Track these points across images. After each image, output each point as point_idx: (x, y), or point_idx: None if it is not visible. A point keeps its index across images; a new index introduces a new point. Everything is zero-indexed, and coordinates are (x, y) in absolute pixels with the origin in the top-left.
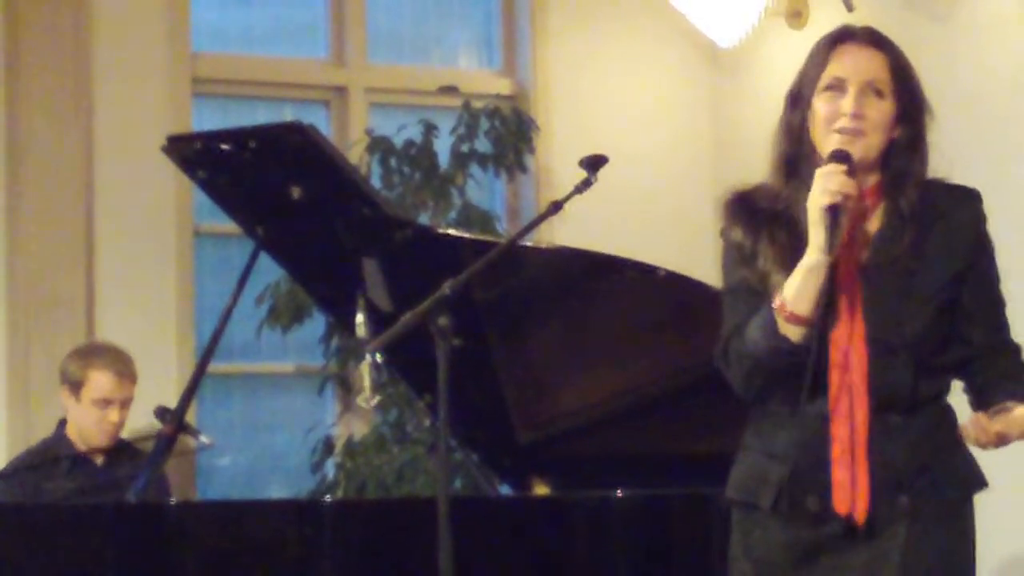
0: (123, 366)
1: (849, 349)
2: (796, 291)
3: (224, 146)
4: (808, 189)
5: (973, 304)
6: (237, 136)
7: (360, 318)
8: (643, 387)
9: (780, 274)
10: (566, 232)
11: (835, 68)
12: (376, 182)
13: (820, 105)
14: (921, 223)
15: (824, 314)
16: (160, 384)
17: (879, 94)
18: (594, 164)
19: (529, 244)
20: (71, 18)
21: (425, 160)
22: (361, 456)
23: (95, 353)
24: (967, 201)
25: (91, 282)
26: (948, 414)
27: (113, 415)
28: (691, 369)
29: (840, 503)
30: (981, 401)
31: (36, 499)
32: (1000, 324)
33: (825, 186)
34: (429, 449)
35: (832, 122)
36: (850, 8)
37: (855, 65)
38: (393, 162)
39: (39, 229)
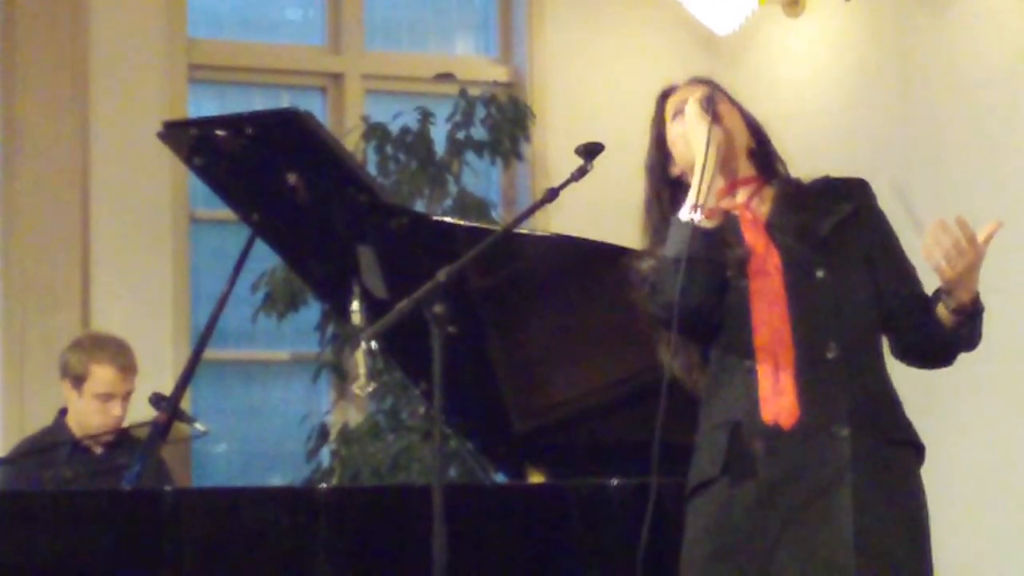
0: (125, 360)
1: (766, 273)
2: (699, 189)
3: (220, 132)
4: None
5: (886, 265)
6: (233, 122)
7: (355, 305)
8: (639, 375)
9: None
10: (562, 220)
11: (673, 102)
12: (372, 169)
13: (675, 128)
14: (809, 194)
15: (741, 257)
16: (155, 371)
17: (718, 100)
18: (590, 152)
19: (525, 231)
20: (68, 4)
21: (421, 147)
22: (356, 444)
23: (97, 346)
24: (853, 181)
25: (87, 269)
26: (887, 373)
27: (115, 409)
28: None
29: (767, 412)
30: (928, 312)
31: (34, 486)
32: (916, 282)
33: (693, 97)
34: (424, 437)
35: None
36: None
37: (689, 92)
38: (389, 149)
39: (35, 216)
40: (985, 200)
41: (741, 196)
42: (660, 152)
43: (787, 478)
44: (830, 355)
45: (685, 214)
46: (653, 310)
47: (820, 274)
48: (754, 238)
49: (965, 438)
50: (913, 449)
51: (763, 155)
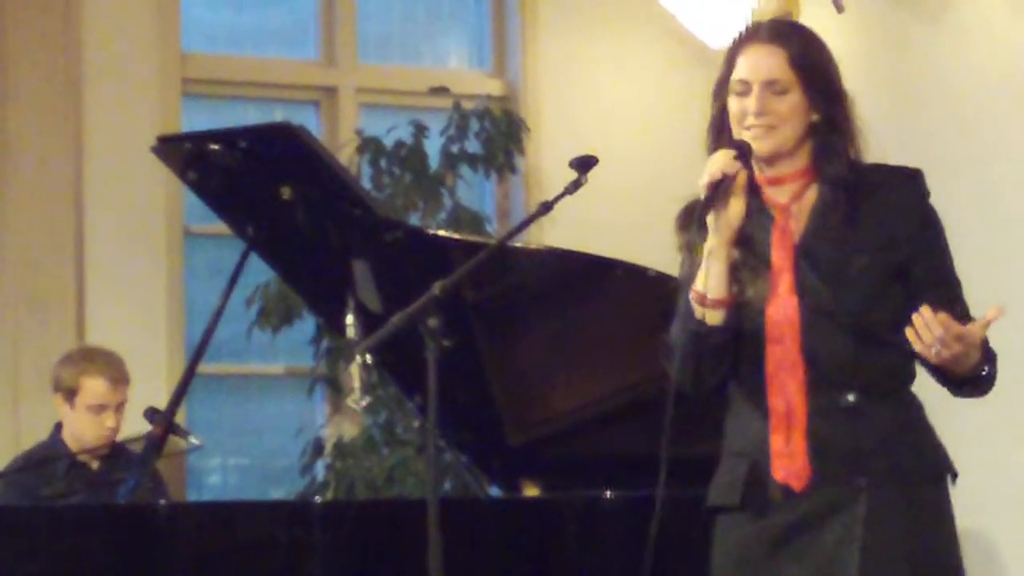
0: (116, 371)
1: (783, 322)
2: (705, 277)
3: (214, 147)
4: None
5: (923, 279)
6: (227, 137)
7: (350, 319)
8: (633, 388)
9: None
10: (556, 233)
11: (740, 71)
12: (366, 183)
13: (732, 104)
14: (855, 197)
15: (761, 294)
16: (150, 385)
17: (782, 91)
18: (584, 165)
19: (519, 245)
20: (60, 18)
21: (415, 161)
22: (351, 457)
23: (87, 359)
24: (904, 178)
25: (81, 283)
26: (914, 401)
27: (109, 420)
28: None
29: (777, 470)
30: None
31: (31, 502)
32: (954, 299)
33: (706, 168)
34: (419, 450)
35: (742, 121)
36: (840, 9)
37: (755, 67)
38: (383, 163)
39: (29, 230)
40: (979, 210)
41: (784, 194)
42: (720, 106)
43: (803, 525)
44: (848, 401)
45: (694, 293)
46: (668, 368)
47: (843, 313)
48: (779, 264)
49: (966, 444)
50: (939, 480)
51: (822, 135)
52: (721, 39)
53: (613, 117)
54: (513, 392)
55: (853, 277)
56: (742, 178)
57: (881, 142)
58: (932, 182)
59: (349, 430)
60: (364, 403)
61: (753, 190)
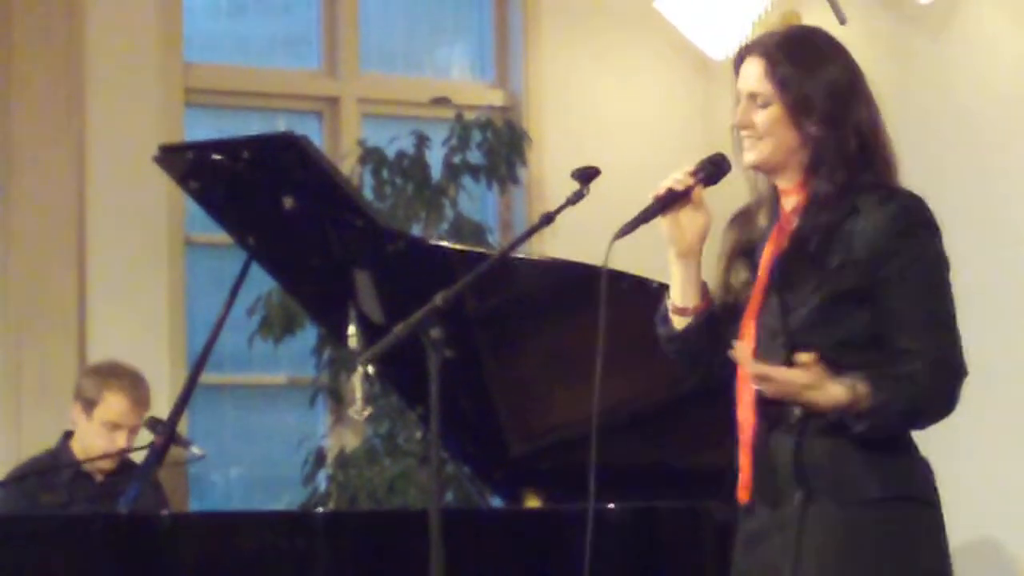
0: (139, 393)
1: (745, 336)
2: (672, 284)
3: (216, 156)
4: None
5: (890, 312)
6: (229, 146)
7: (352, 329)
8: (636, 399)
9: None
10: (558, 244)
11: (738, 82)
12: (368, 193)
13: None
14: (836, 214)
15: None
16: (152, 395)
17: (763, 104)
18: (586, 176)
19: (521, 256)
20: (64, 27)
21: (417, 171)
22: (353, 468)
23: (113, 374)
24: (895, 201)
25: (83, 292)
26: None
27: (121, 440)
28: (684, 381)
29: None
30: None
31: (32, 510)
32: (927, 334)
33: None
34: (421, 461)
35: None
36: (843, 21)
37: (744, 78)
38: (385, 173)
39: (31, 239)
40: (982, 223)
41: (789, 206)
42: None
43: (761, 533)
44: (795, 416)
45: (668, 298)
46: None
47: (784, 333)
48: (760, 277)
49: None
50: (904, 501)
51: (809, 147)
52: (722, 51)
53: (615, 128)
54: (515, 403)
55: (798, 300)
56: (698, 193)
57: None
58: (935, 195)
59: (351, 440)
60: (366, 413)
61: (777, 198)
